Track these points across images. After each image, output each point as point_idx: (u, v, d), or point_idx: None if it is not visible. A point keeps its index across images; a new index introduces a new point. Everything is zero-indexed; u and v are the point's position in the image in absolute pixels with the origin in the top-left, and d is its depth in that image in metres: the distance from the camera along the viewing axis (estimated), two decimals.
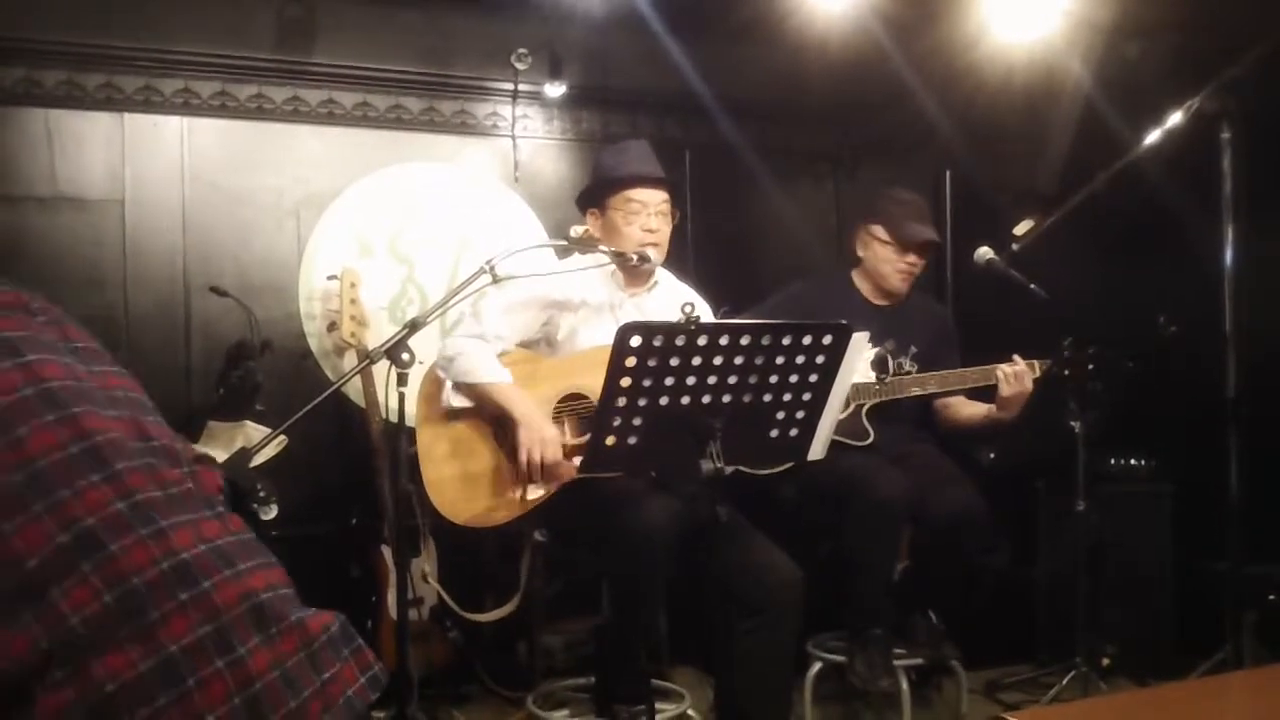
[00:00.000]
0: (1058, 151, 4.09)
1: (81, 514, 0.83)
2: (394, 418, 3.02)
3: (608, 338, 2.03)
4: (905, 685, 3.09)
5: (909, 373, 3.16)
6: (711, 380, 2.11)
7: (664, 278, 3.01)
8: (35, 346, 0.89)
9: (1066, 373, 3.06)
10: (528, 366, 2.83)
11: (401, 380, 2.85)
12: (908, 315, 3.41)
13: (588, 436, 2.31)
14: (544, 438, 2.62)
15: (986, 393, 3.24)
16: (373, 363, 2.69)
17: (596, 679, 2.72)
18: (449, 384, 2.78)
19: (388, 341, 2.65)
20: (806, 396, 2.24)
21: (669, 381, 2.07)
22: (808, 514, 3.16)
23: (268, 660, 0.87)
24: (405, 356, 2.78)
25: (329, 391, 2.52)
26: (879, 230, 3.36)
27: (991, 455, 3.67)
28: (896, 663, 3.06)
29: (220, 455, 2.99)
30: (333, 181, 3.83)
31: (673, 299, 2.94)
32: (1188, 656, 3.34)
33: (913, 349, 3.24)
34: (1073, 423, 3.10)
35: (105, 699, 0.76)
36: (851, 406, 3.17)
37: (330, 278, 3.64)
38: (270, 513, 2.66)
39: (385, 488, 3.31)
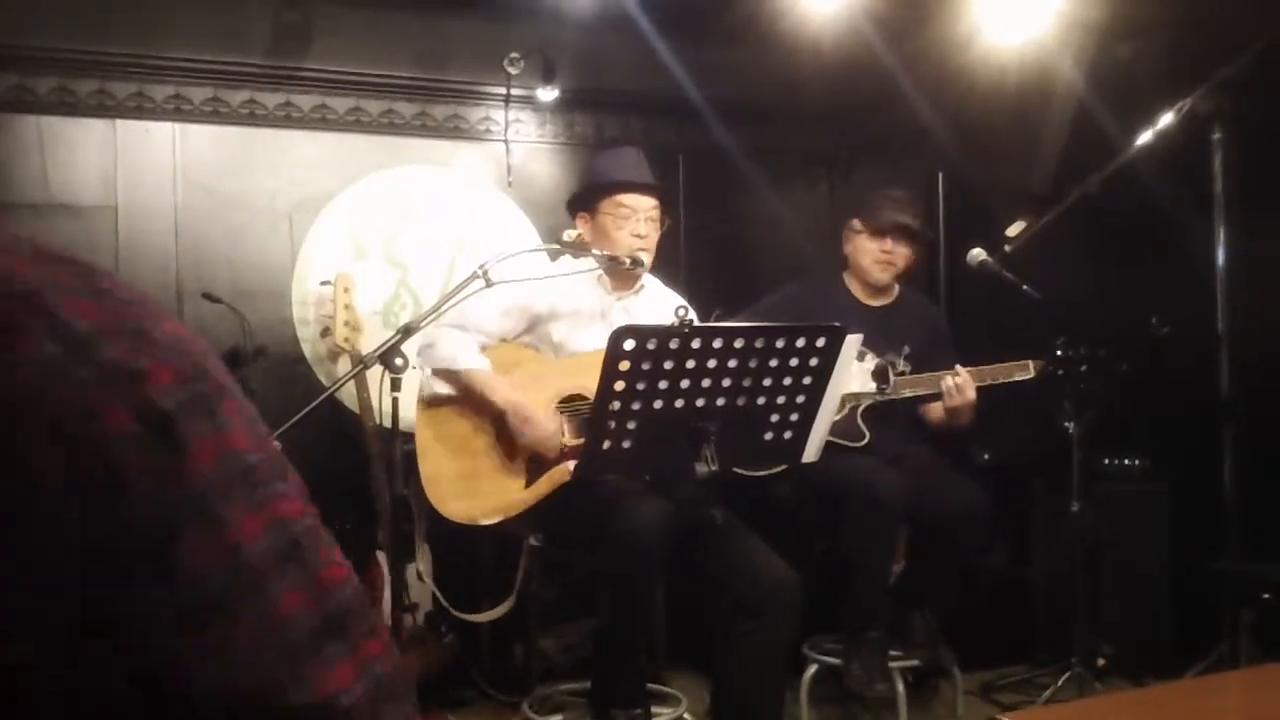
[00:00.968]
0: (1050, 152, 4.10)
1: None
2: (388, 422, 3.03)
3: (597, 341, 2.04)
4: (901, 688, 3.09)
5: (904, 373, 3.17)
6: (705, 383, 2.11)
7: (650, 281, 3.01)
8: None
9: (1060, 373, 3.06)
10: (534, 367, 2.84)
11: (395, 385, 2.86)
12: (900, 314, 3.42)
13: (583, 439, 2.31)
14: (529, 419, 2.63)
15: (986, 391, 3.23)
16: (366, 367, 2.68)
17: (593, 682, 2.72)
18: (428, 370, 2.78)
19: (381, 346, 2.65)
20: (800, 399, 2.24)
21: (663, 385, 2.08)
22: (804, 515, 3.17)
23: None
24: (399, 361, 2.79)
25: (323, 397, 2.51)
26: (856, 222, 3.41)
27: (986, 456, 3.68)
28: (892, 664, 3.07)
29: None
30: (326, 186, 3.82)
31: (660, 302, 2.95)
32: (1184, 656, 3.33)
33: (906, 348, 3.25)
34: (1067, 423, 3.10)
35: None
36: (847, 408, 3.17)
37: (324, 283, 3.64)
38: None
39: (381, 493, 3.30)
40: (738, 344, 2.10)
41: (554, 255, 3.07)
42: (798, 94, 4.20)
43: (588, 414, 2.74)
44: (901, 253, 3.37)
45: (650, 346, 2.03)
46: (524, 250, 2.85)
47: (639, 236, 2.86)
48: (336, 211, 3.82)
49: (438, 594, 3.16)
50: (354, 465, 3.46)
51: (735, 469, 2.56)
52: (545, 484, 2.67)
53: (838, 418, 3.11)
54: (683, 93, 4.04)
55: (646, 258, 2.86)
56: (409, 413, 2.91)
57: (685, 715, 3.07)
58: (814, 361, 2.20)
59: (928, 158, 4.33)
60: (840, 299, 3.42)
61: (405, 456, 3.08)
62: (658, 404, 2.10)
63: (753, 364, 2.14)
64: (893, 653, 3.09)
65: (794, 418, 2.27)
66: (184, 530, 0.62)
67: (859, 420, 3.19)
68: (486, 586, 3.49)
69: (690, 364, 2.07)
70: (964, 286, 3.98)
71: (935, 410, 3.32)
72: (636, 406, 2.08)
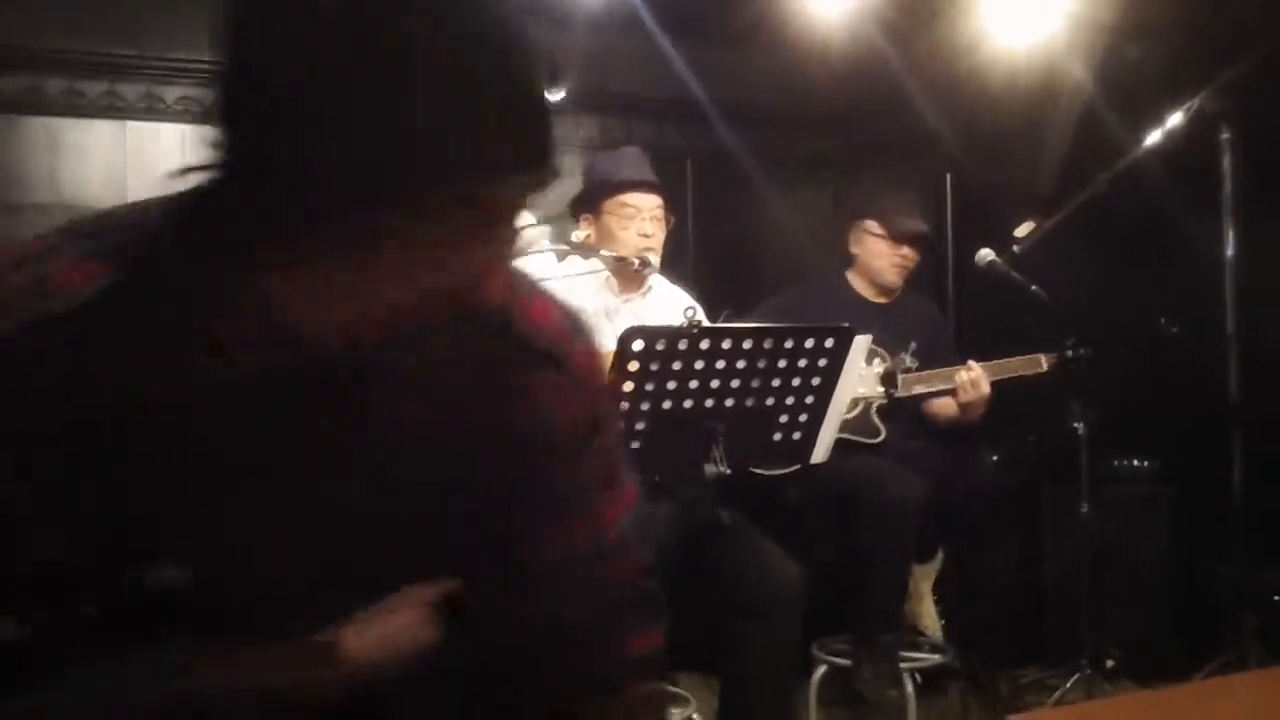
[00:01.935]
0: (1057, 153, 4.10)
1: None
2: None
3: (606, 343, 2.03)
4: (910, 689, 3.08)
5: (910, 369, 3.17)
6: (714, 384, 2.12)
7: (657, 282, 3.01)
8: None
9: (1071, 367, 3.06)
10: None
11: None
12: (904, 312, 3.43)
13: None
14: None
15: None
16: None
17: None
18: None
19: None
20: (809, 399, 2.25)
21: (671, 386, 2.08)
22: (814, 515, 3.16)
23: None
24: None
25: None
26: (873, 225, 3.38)
27: (995, 457, 3.68)
28: (902, 665, 3.06)
29: None
30: None
31: (667, 303, 2.94)
32: (1192, 658, 3.33)
33: (912, 344, 3.26)
34: (1076, 424, 3.09)
35: None
36: (860, 405, 3.17)
37: None
38: None
39: None
40: (746, 345, 2.10)
41: (561, 256, 3.07)
42: (806, 97, 4.20)
43: None
44: (915, 258, 3.39)
45: (659, 347, 2.03)
46: (532, 250, 2.85)
47: (645, 236, 2.86)
48: None
49: None
50: None
51: (749, 469, 2.56)
52: None
53: (850, 415, 3.11)
54: (689, 95, 4.04)
55: (654, 258, 2.86)
56: None
57: (694, 716, 3.07)
58: (823, 362, 2.20)
59: (936, 159, 4.33)
60: (846, 297, 3.43)
61: None
62: (666, 405, 2.10)
63: (762, 364, 2.14)
64: (903, 654, 3.08)
65: (803, 418, 2.27)
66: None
67: (873, 416, 3.19)
68: None
69: (699, 365, 2.08)
70: (972, 287, 3.98)
71: (944, 407, 3.31)
72: (645, 407, 2.08)
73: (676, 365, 2.06)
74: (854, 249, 3.46)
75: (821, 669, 3.23)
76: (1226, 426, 2.98)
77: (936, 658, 3.26)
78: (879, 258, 3.38)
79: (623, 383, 2.05)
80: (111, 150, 3.60)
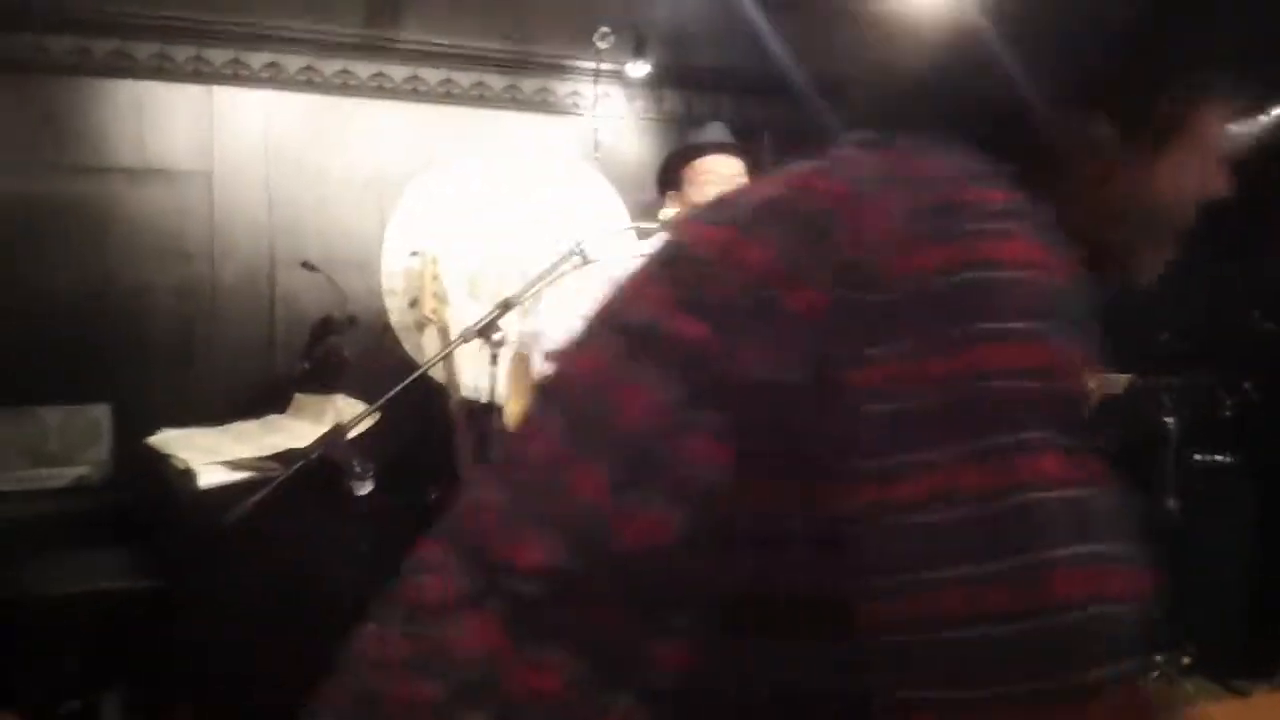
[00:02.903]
0: None
1: None
2: (476, 395, 3.04)
3: None
4: None
5: None
6: None
7: None
8: None
9: (1150, 382, 3.00)
10: None
11: (493, 359, 2.87)
12: None
13: None
14: None
15: None
16: (465, 341, 2.69)
17: None
18: (538, 355, 2.78)
19: (481, 321, 2.66)
20: None
21: None
22: None
23: None
24: (496, 336, 2.80)
25: (423, 369, 2.55)
26: None
27: None
28: None
29: (309, 427, 3.02)
30: (414, 158, 3.84)
31: None
32: (1269, 656, 3.28)
33: None
34: (1167, 418, 3.03)
35: None
36: None
37: (412, 254, 3.66)
38: (366, 488, 2.69)
39: (465, 466, 3.32)
40: None
41: (644, 234, 3.05)
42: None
43: None
44: None
45: None
46: (621, 227, 2.84)
47: None
48: (425, 183, 3.83)
49: None
50: (439, 435, 3.49)
51: None
52: None
53: None
54: (777, 70, 3.98)
55: None
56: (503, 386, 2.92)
57: None
58: None
59: None
60: None
61: (496, 429, 3.10)
62: None
63: None
64: None
65: None
66: None
67: None
68: None
69: None
70: None
71: None
72: None
73: None
74: None
75: None
76: None
77: None
78: None
79: None
80: (197, 115, 3.63)
